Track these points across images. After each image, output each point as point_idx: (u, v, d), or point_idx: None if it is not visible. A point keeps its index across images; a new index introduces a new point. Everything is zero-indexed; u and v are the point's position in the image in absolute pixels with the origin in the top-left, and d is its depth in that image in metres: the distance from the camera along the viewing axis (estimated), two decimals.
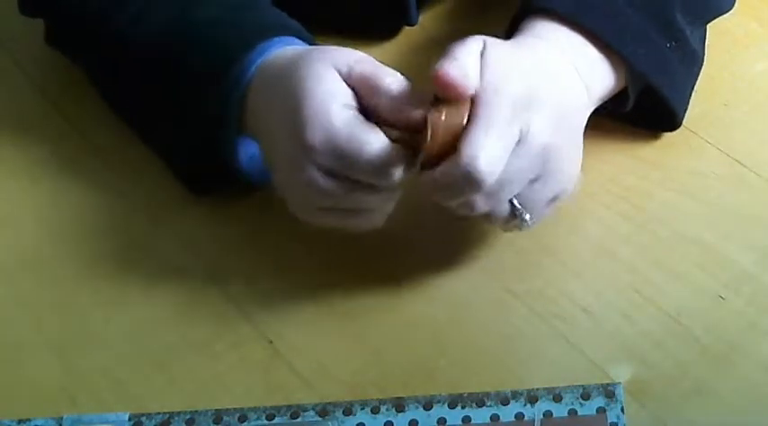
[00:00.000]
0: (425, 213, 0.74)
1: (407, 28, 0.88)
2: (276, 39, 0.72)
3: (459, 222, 0.74)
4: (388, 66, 0.67)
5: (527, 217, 0.67)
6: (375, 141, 0.64)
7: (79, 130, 0.82)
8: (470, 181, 0.62)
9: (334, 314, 0.72)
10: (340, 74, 0.66)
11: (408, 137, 0.65)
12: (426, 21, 0.87)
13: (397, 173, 0.65)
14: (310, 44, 0.74)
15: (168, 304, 0.74)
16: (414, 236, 0.75)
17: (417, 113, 0.64)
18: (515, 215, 0.67)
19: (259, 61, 0.71)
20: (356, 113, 0.65)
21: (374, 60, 0.67)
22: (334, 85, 0.65)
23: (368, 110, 0.66)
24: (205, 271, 0.75)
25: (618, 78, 0.73)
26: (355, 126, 0.64)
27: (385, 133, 0.65)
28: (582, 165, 0.69)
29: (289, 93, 0.66)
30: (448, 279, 0.73)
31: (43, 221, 0.79)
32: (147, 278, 0.75)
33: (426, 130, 0.63)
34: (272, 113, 0.68)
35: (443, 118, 0.63)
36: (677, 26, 0.74)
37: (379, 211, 0.68)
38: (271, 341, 0.71)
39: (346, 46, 0.69)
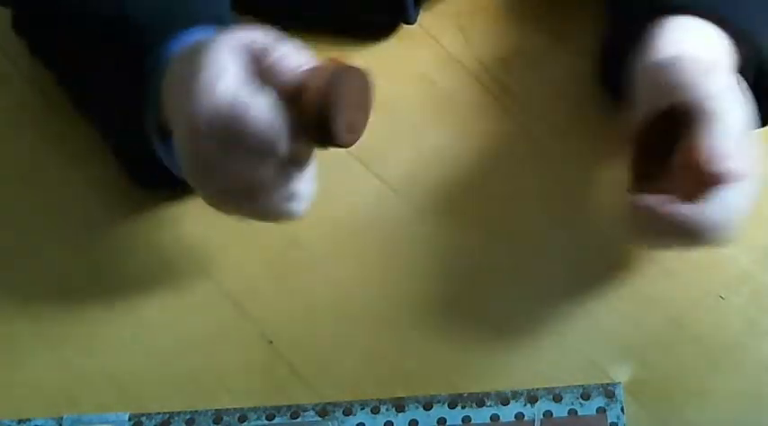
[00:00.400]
0: (423, 213, 0.74)
1: (405, 26, 0.88)
2: (197, 28, 0.69)
3: (458, 223, 0.74)
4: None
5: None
6: (260, 102, 0.61)
7: (79, 130, 0.81)
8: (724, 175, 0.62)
9: (334, 314, 0.72)
10: (235, 55, 0.63)
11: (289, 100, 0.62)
12: (425, 19, 0.87)
13: (283, 136, 0.61)
14: None
15: (168, 304, 0.74)
16: (413, 237, 0.75)
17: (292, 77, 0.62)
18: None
19: (175, 52, 0.68)
20: (245, 84, 0.62)
21: (260, 34, 0.64)
22: (224, 64, 0.62)
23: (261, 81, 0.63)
24: (205, 271, 0.75)
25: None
26: (240, 92, 0.62)
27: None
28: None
29: (185, 78, 0.63)
30: (447, 279, 0.73)
31: (43, 221, 0.79)
32: (147, 278, 0.75)
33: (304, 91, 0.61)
34: (176, 97, 0.65)
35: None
36: None
37: (277, 192, 0.64)
38: (271, 341, 0.71)
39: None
